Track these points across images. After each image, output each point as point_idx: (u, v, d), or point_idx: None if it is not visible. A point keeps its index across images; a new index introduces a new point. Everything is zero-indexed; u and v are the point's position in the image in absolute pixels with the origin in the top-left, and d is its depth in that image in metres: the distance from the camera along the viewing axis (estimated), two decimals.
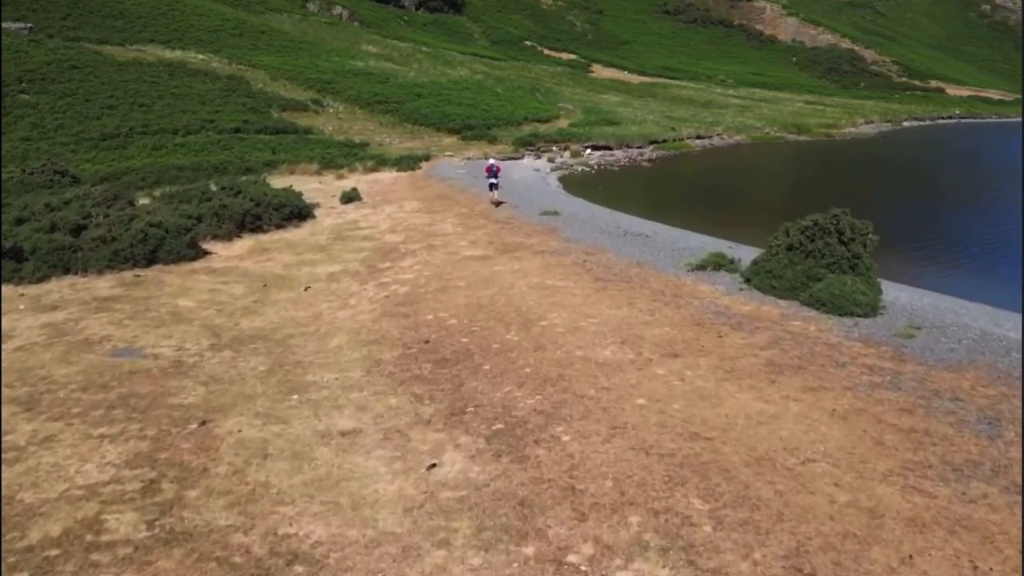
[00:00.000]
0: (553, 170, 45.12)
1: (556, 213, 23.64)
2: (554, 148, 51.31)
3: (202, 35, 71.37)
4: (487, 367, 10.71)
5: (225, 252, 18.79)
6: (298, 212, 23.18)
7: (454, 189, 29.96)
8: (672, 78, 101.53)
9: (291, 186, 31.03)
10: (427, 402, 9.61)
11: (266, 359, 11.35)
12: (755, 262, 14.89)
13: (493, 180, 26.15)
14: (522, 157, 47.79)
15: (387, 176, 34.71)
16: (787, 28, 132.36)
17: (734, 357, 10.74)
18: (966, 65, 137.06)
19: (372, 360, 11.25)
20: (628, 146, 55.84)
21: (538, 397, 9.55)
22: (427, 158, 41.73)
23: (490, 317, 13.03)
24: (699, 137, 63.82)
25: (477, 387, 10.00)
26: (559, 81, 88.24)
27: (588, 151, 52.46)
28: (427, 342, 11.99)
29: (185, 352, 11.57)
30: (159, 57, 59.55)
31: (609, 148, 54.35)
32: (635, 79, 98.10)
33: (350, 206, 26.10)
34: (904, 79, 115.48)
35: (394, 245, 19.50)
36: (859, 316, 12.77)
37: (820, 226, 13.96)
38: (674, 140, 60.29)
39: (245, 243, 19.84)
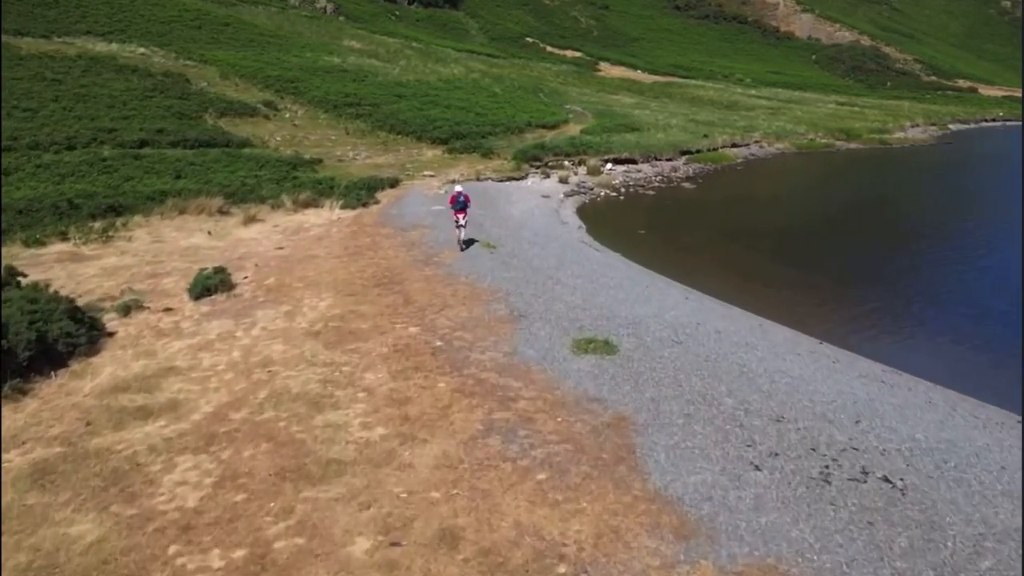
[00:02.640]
0: (568, 196, 31.59)
1: (607, 345, 10.22)
2: (566, 163, 37.69)
3: (153, 27, 57.73)
4: None
5: None
6: (48, 349, 9.85)
7: (414, 255, 16.46)
8: (686, 77, 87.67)
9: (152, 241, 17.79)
10: None
11: None
12: None
13: (461, 218, 17.23)
14: (526, 177, 34.24)
15: (319, 219, 21.24)
16: (802, 24, 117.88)
17: None
18: (989, 64, 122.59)
19: None
20: (656, 158, 42.24)
21: None
22: (394, 183, 28.18)
23: None
24: (735, 145, 50.34)
25: None
26: (565, 80, 74.50)
27: (609, 166, 38.95)
28: None
29: None
30: (85, 51, 45.90)
31: (634, 161, 40.74)
32: (647, 78, 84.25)
33: (199, 309, 12.71)
34: (933, 78, 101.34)
35: (157, 551, 6.09)
36: None
37: None
38: (709, 150, 46.86)
39: None
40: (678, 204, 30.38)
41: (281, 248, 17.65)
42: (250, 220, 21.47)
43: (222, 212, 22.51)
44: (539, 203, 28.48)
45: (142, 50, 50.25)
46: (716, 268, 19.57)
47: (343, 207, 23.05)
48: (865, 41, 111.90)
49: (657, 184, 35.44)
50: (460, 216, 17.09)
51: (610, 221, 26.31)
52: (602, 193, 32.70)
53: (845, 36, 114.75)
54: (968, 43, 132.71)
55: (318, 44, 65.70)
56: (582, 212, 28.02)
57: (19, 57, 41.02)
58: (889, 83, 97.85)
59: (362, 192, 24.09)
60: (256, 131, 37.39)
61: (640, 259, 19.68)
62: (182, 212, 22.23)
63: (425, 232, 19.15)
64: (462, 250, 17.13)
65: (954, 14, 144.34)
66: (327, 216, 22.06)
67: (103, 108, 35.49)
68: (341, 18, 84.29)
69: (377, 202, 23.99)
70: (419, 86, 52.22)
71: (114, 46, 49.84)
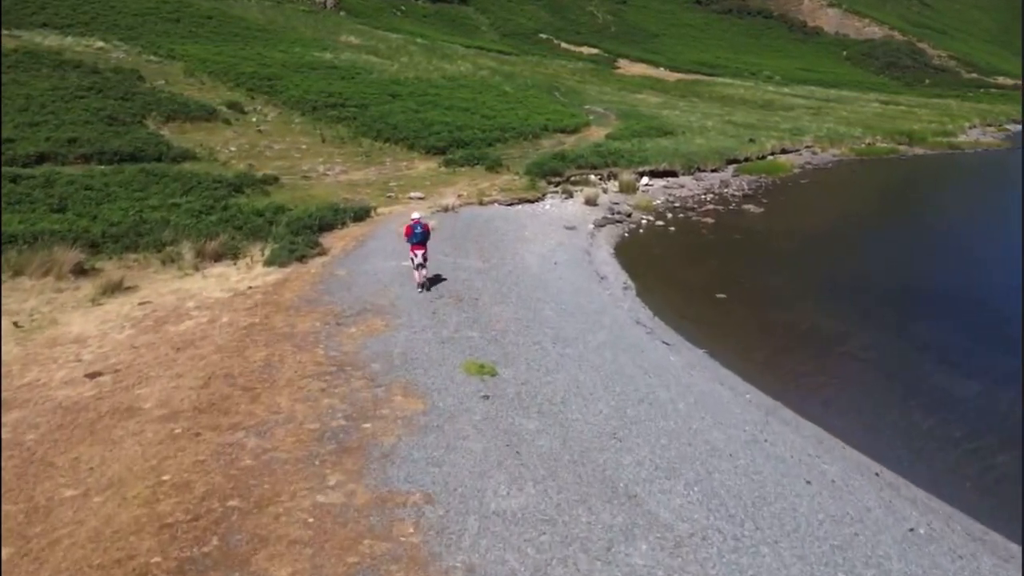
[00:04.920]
0: (599, 226, 22.73)
1: None
2: (592, 177, 28.88)
3: (123, 19, 49.36)
4: None
5: None
6: None
7: (329, 409, 7.71)
8: (711, 74, 78.24)
9: None
10: None
11: None
12: None
13: (420, 254, 12.84)
14: (542, 198, 25.41)
15: (218, 290, 12.63)
16: (829, 19, 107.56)
17: None
18: None
19: None
20: (700, 169, 33.37)
21: None
22: (362, 215, 19.42)
23: None
24: (784, 151, 41.31)
25: None
26: (582, 78, 65.36)
27: (645, 180, 30.13)
28: None
29: None
30: (27, 44, 37.63)
31: (673, 174, 31.83)
32: (670, 76, 74.95)
33: None
34: (974, 75, 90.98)
35: None
36: None
37: None
38: (758, 157, 37.95)
39: None
40: (752, 240, 21.35)
41: (98, 375, 9.06)
42: (109, 290, 12.90)
43: (81, 271, 13.99)
44: (562, 240, 19.73)
45: (101, 44, 41.73)
46: (902, 397, 10.71)
47: (268, 263, 14.42)
48: (898, 37, 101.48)
49: (711, 206, 26.55)
50: (418, 252, 13.05)
51: (666, 273, 17.49)
52: (643, 220, 23.89)
53: (875, 32, 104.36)
54: (1002, 39, 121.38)
55: (311, 40, 56.99)
56: (623, 255, 19.22)
57: None
58: (928, 80, 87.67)
59: (298, 239, 15.36)
60: (208, 139, 28.79)
61: (747, 368, 10.94)
62: (17, 273, 13.73)
63: (376, 328, 10.47)
64: (428, 289, 13.17)
65: (985, 9, 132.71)
66: (235, 281, 13.39)
67: (12, 112, 27.00)
68: (342, 13, 75.60)
69: (324, 252, 15.28)
70: (418, 84, 43.43)
71: (69, 40, 41.30)
